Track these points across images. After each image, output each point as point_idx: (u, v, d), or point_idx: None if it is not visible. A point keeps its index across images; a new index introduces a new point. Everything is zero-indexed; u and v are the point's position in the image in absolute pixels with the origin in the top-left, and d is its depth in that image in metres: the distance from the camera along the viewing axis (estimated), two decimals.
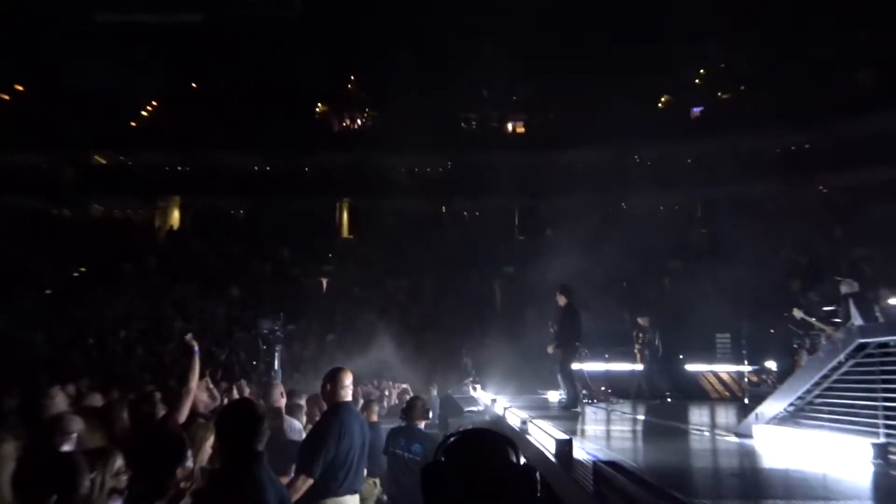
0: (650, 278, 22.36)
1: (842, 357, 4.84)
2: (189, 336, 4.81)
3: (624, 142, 26.82)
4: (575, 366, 9.51)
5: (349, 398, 5.02)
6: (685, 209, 29.20)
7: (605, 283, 19.18)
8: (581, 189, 26.84)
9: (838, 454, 4.35)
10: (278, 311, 11.37)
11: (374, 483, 7.07)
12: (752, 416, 5.83)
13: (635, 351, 12.60)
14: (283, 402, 6.19)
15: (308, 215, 30.42)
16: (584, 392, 10.47)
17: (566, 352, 9.16)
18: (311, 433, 5.02)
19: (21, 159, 29.47)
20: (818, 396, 5.08)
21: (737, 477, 4.53)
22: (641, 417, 9.15)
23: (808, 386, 5.17)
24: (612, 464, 3.41)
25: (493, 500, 1.75)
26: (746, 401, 10.30)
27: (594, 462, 3.46)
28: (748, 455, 5.36)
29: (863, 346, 4.68)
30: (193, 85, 31.69)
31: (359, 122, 32.60)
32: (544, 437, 5.02)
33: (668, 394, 11.80)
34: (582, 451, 4.11)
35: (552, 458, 4.21)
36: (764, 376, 12.10)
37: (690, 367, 15.09)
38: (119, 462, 3.47)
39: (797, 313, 10.31)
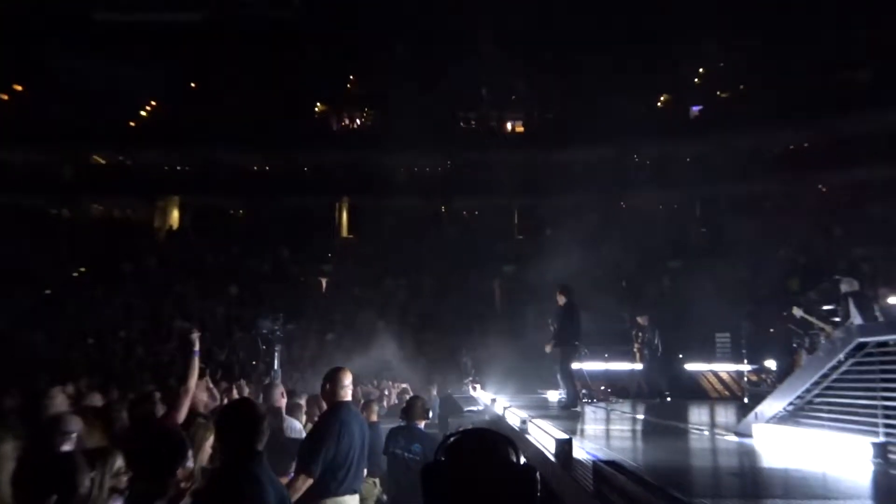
0: (649, 277, 22.37)
1: (841, 356, 4.84)
2: (193, 331, 4.77)
3: (623, 141, 26.85)
4: (574, 365, 9.50)
5: (349, 398, 5.02)
6: (684, 208, 29.20)
7: (605, 282, 19.20)
8: (580, 188, 26.85)
9: (838, 453, 4.35)
10: (278, 310, 11.37)
11: (374, 483, 7.06)
12: (751, 416, 5.83)
13: (634, 350, 12.60)
14: (283, 402, 6.19)
15: (307, 215, 30.43)
16: (583, 391, 10.47)
17: (566, 351, 9.16)
18: (311, 433, 5.01)
19: (20, 158, 29.46)
20: (818, 396, 5.08)
21: (736, 476, 4.53)
22: (641, 417, 9.15)
23: (807, 385, 5.17)
24: (611, 463, 3.41)
25: (493, 500, 1.74)
26: (746, 400, 10.31)
27: (594, 461, 3.46)
28: (748, 454, 5.36)
29: (862, 346, 4.69)
30: (192, 84, 31.67)
31: (358, 121, 32.59)
32: (544, 436, 5.02)
33: (667, 393, 11.80)
34: (582, 451, 4.11)
35: (552, 458, 4.21)
36: (763, 375, 12.10)
37: (690, 367, 15.12)
38: (119, 462, 3.46)
39: (797, 312, 10.32)
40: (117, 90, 28.43)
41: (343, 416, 4.86)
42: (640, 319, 12.56)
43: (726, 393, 14.50)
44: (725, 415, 9.31)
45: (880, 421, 4.27)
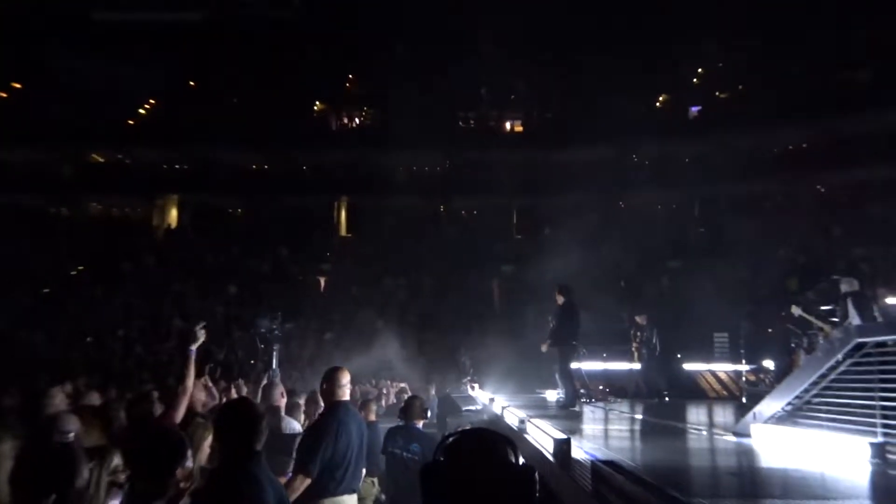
0: (649, 277, 22.39)
1: (839, 356, 4.85)
2: (198, 327, 4.72)
3: (622, 141, 26.87)
4: (573, 365, 9.50)
5: (346, 397, 5.02)
6: (684, 208, 29.22)
7: (604, 281, 19.20)
8: (579, 188, 26.85)
9: (836, 453, 4.35)
10: (276, 309, 11.35)
11: (373, 482, 7.06)
12: (749, 416, 5.83)
13: (633, 349, 12.59)
14: (283, 401, 6.19)
15: (306, 214, 30.44)
16: (581, 391, 10.47)
17: (564, 351, 9.16)
18: (309, 432, 5.02)
19: (19, 157, 29.45)
20: (816, 396, 5.08)
21: (735, 476, 4.53)
22: (639, 416, 9.15)
23: (805, 385, 5.17)
24: (610, 463, 3.41)
25: (493, 500, 1.75)
26: (744, 400, 10.31)
27: (592, 461, 3.46)
28: (746, 454, 5.36)
29: (860, 346, 4.69)
30: (192, 83, 31.66)
31: (357, 120, 32.60)
32: (542, 436, 5.02)
33: (665, 393, 11.80)
34: (580, 451, 4.11)
35: (550, 458, 4.21)
36: (762, 375, 12.12)
37: (688, 366, 15.12)
38: (116, 460, 3.46)
39: (795, 310, 10.32)
40: (117, 89, 28.41)
41: (341, 415, 4.86)
42: (638, 319, 12.55)
43: (724, 393, 14.52)
44: (724, 415, 9.30)
45: (878, 421, 4.27)
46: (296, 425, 6.05)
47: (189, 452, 3.21)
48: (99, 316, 21.69)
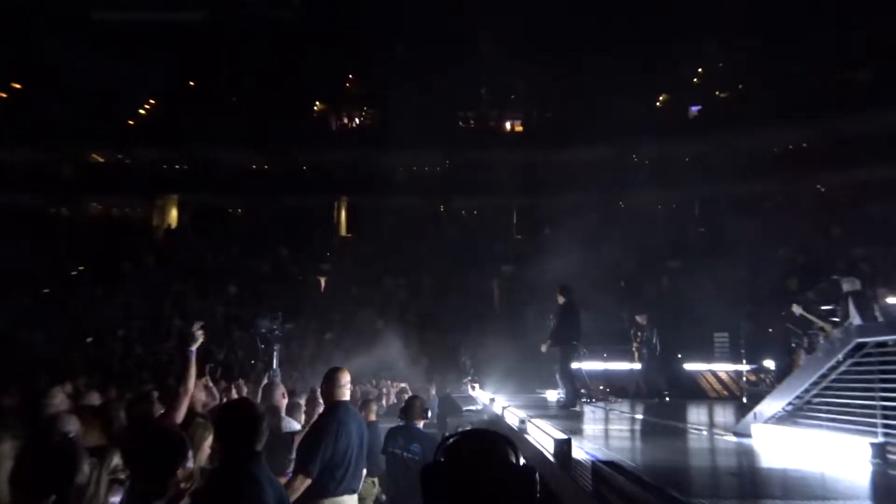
0: (648, 277, 22.39)
1: (840, 356, 4.84)
2: (195, 326, 4.73)
3: (622, 141, 26.87)
4: (574, 365, 9.50)
5: (346, 397, 5.02)
6: (684, 208, 29.23)
7: (604, 281, 19.20)
8: (579, 188, 26.85)
9: (837, 453, 4.35)
10: (277, 309, 11.35)
11: (373, 483, 7.06)
12: (750, 416, 5.83)
13: (633, 349, 12.59)
14: (284, 402, 6.19)
15: (306, 214, 30.45)
16: (582, 391, 10.47)
17: (565, 351, 9.15)
18: (309, 433, 5.02)
19: (19, 157, 29.44)
20: (816, 396, 5.08)
21: (735, 476, 4.53)
22: (640, 416, 9.15)
23: (806, 385, 5.17)
24: (610, 463, 3.41)
25: (493, 501, 1.75)
26: (745, 400, 10.31)
27: (593, 462, 3.46)
28: (746, 454, 5.36)
29: (861, 346, 4.69)
30: (191, 83, 31.66)
31: (357, 120, 32.60)
32: (543, 436, 5.02)
33: (665, 393, 11.80)
34: (581, 451, 4.11)
35: (551, 458, 4.21)
36: (762, 375, 12.10)
37: (689, 366, 15.12)
38: (116, 460, 3.46)
39: (796, 309, 10.32)
40: (117, 89, 28.41)
41: (341, 415, 4.86)
42: (639, 319, 12.55)
43: (725, 393, 14.51)
44: (724, 415, 9.30)
45: (879, 421, 4.27)
46: (295, 424, 6.05)
47: (190, 453, 3.21)
48: (99, 316, 21.68)
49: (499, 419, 7.84)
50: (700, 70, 30.51)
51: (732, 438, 6.02)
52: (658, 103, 30.65)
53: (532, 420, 5.96)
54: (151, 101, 31.94)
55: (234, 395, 7.37)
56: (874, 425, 4.30)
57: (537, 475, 1.81)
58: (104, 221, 31.36)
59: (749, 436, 5.66)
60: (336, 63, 30.07)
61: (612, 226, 25.23)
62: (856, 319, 8.49)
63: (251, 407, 3.57)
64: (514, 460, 1.80)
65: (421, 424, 6.81)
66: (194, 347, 4.57)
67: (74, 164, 30.38)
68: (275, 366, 9.16)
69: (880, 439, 4.15)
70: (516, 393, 11.97)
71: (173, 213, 31.40)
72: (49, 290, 24.04)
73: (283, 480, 4.21)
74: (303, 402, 6.83)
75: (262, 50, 28.76)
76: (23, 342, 19.26)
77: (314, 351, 19.25)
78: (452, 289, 23.87)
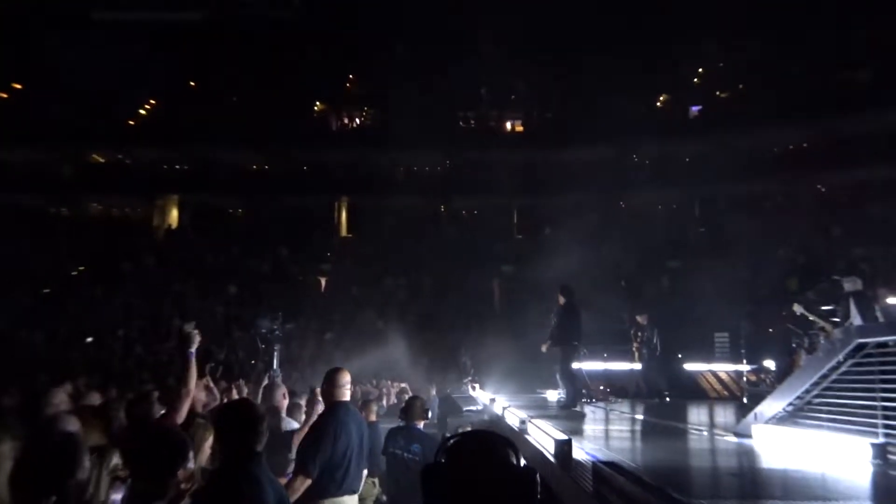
0: (649, 277, 22.38)
1: (840, 357, 4.84)
2: (189, 327, 4.74)
3: (623, 140, 26.87)
4: (574, 365, 9.49)
5: (346, 398, 5.02)
6: (684, 208, 29.23)
7: (604, 281, 19.19)
8: (579, 188, 26.86)
9: (837, 454, 4.35)
10: (277, 309, 11.34)
11: (373, 483, 7.06)
12: (750, 416, 5.83)
13: (633, 349, 12.59)
14: (285, 403, 6.18)
15: (306, 214, 30.45)
16: (582, 391, 10.46)
17: (566, 351, 9.15)
18: (308, 433, 5.01)
19: (19, 157, 29.44)
20: (817, 396, 5.08)
21: (736, 477, 4.53)
22: (640, 417, 9.15)
23: (806, 386, 5.17)
24: (611, 464, 3.41)
25: (494, 502, 1.74)
26: (745, 400, 10.32)
27: (593, 462, 3.46)
28: (747, 455, 5.36)
29: (861, 346, 4.68)
30: (192, 83, 31.66)
31: (357, 120, 32.59)
32: (543, 437, 5.02)
33: (666, 393, 11.79)
34: (581, 451, 4.11)
35: (551, 459, 4.21)
36: (762, 376, 12.10)
37: (689, 367, 15.11)
38: (115, 459, 3.46)
39: (797, 308, 10.31)
40: (117, 89, 28.41)
41: (341, 415, 4.86)
42: (639, 319, 12.55)
43: (725, 393, 14.50)
44: (724, 415, 9.30)
45: (880, 422, 4.27)
46: (294, 423, 6.05)
47: (191, 453, 3.21)
48: (99, 316, 21.68)
49: (499, 419, 7.84)
50: (700, 70, 30.51)
51: (733, 439, 6.02)
52: (658, 103, 30.65)
53: (532, 420, 5.96)
54: (151, 101, 31.94)
55: (235, 395, 7.38)
56: (875, 426, 4.30)
57: (538, 476, 1.81)
58: (104, 221, 31.36)
59: (749, 436, 5.65)
60: (336, 63, 30.07)
61: (612, 226, 25.25)
62: (856, 320, 8.48)
63: (251, 407, 3.57)
64: (514, 461, 1.80)
65: (421, 425, 6.80)
66: (193, 349, 4.57)
67: (74, 164, 30.38)
68: (275, 366, 9.15)
69: (881, 440, 4.15)
70: (517, 393, 11.96)
71: (173, 213, 31.40)
72: (49, 290, 24.04)
73: (283, 481, 4.20)
74: (303, 402, 6.83)
75: (262, 50, 28.75)
76: (23, 342, 19.28)
77: (314, 351, 19.25)
78: (452, 289, 23.87)
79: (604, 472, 3.27)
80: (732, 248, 20.19)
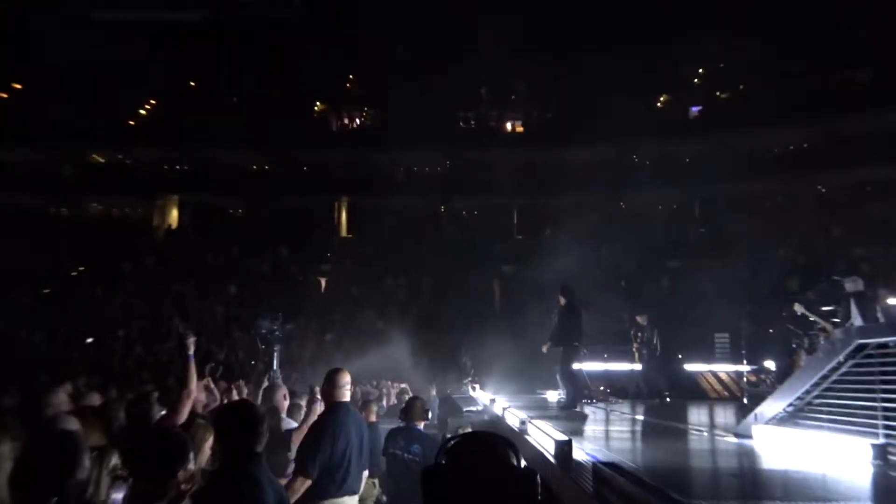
0: (649, 277, 22.38)
1: (841, 357, 4.84)
2: (189, 335, 4.77)
3: (623, 141, 26.88)
4: (574, 366, 9.49)
5: (346, 398, 5.02)
6: (684, 208, 29.23)
7: (604, 281, 19.18)
8: (579, 188, 26.83)
9: (838, 455, 4.35)
10: (277, 310, 11.34)
11: (374, 483, 7.06)
12: (751, 417, 5.83)
13: (633, 350, 12.59)
14: (285, 403, 6.18)
15: (306, 214, 30.45)
16: (584, 392, 10.46)
17: (567, 352, 9.15)
18: (308, 434, 5.02)
19: (19, 157, 29.44)
20: (817, 397, 5.07)
21: (736, 477, 4.52)
22: (640, 417, 9.15)
23: (807, 386, 5.17)
24: (611, 465, 3.40)
25: (494, 503, 1.74)
26: (745, 401, 10.30)
27: (594, 463, 3.46)
28: (747, 455, 5.35)
29: (862, 347, 4.68)
30: (192, 83, 31.66)
31: (357, 120, 32.59)
32: (543, 437, 5.01)
33: (666, 393, 11.79)
34: (581, 452, 4.10)
35: (552, 459, 4.21)
36: (763, 376, 12.10)
37: (689, 367, 15.09)
38: (115, 459, 3.46)
39: (798, 308, 10.30)
40: (117, 89, 28.41)
41: (340, 416, 4.86)
42: (639, 319, 12.54)
43: (725, 393, 14.49)
44: (725, 415, 9.30)
45: (880, 422, 4.27)
46: (292, 423, 6.04)
47: (191, 454, 3.21)
48: (99, 316, 21.68)
49: (499, 420, 7.84)
50: (700, 70, 30.51)
51: (733, 439, 6.02)
52: (658, 103, 30.65)
53: (533, 421, 5.96)
54: (151, 101, 31.94)
55: (235, 395, 7.38)
56: (875, 426, 4.29)
57: (538, 477, 1.81)
58: (104, 221, 31.36)
59: (750, 437, 5.65)
60: (336, 63, 30.07)
61: (612, 226, 25.24)
62: (857, 320, 8.48)
63: (251, 408, 3.57)
64: (514, 462, 1.80)
65: (421, 425, 6.80)
66: (192, 351, 4.58)
67: (74, 164, 30.38)
68: (275, 366, 9.16)
69: (881, 440, 4.15)
70: (517, 393, 11.96)
71: (173, 213, 31.40)
72: (49, 290, 24.04)
73: (283, 481, 4.20)
74: (303, 403, 6.83)
75: (262, 50, 28.75)
76: (23, 342, 19.28)
77: (314, 351, 19.25)
78: (452, 289, 23.86)
79: (604, 472, 3.27)
80: (732, 249, 20.19)
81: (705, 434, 7.14)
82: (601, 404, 10.62)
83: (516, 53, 27.13)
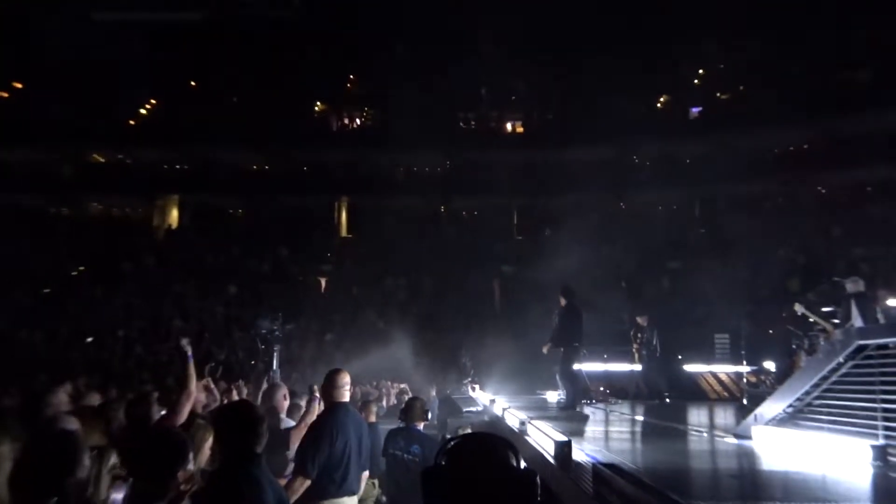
0: (649, 277, 22.37)
1: (841, 358, 4.84)
2: (185, 341, 4.78)
3: (623, 141, 26.88)
4: (574, 366, 9.49)
5: (346, 399, 5.01)
6: (684, 208, 29.25)
7: (604, 282, 19.18)
8: (579, 188, 26.85)
9: (837, 456, 4.35)
10: (277, 310, 11.33)
11: (373, 484, 7.06)
12: (751, 418, 5.83)
13: (633, 350, 12.59)
14: (285, 404, 6.17)
15: (307, 214, 30.45)
16: (585, 392, 10.46)
17: (567, 352, 9.14)
18: (307, 434, 5.01)
19: (19, 157, 29.43)
20: (817, 398, 5.07)
21: (736, 478, 4.53)
22: (640, 418, 9.15)
23: (807, 387, 5.17)
24: (611, 465, 3.41)
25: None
26: (745, 401, 10.27)
27: (593, 464, 3.46)
28: (747, 456, 5.35)
29: (862, 348, 4.68)
30: (192, 83, 31.66)
31: (357, 120, 32.58)
32: (543, 438, 5.01)
33: (666, 394, 11.79)
34: (581, 453, 4.11)
35: (551, 460, 4.21)
36: (762, 377, 12.08)
37: (689, 368, 15.10)
38: (114, 459, 3.46)
39: (798, 308, 10.29)
40: (117, 89, 28.41)
41: (339, 416, 4.86)
42: (639, 319, 12.55)
43: (725, 394, 14.49)
44: (724, 416, 9.31)
45: (880, 423, 4.27)
46: (291, 422, 6.04)
47: (191, 454, 3.21)
48: (99, 316, 21.68)
49: (499, 420, 7.84)
50: (700, 71, 30.51)
51: (733, 440, 6.02)
52: (658, 104, 30.65)
53: (532, 422, 5.96)
54: (151, 101, 31.94)
55: (235, 396, 7.37)
56: (875, 427, 4.30)
57: (538, 478, 1.81)
58: (104, 221, 31.36)
59: (750, 438, 5.65)
60: (336, 63, 30.06)
61: (612, 226, 25.24)
62: (857, 321, 8.48)
63: (251, 409, 3.57)
64: (514, 463, 1.80)
65: (421, 426, 6.79)
66: (190, 353, 4.59)
67: (74, 164, 30.38)
68: (275, 367, 9.14)
69: (881, 441, 4.15)
70: (517, 394, 11.96)
71: (173, 213, 31.40)
72: (49, 290, 24.04)
73: (282, 482, 4.20)
74: (303, 403, 6.83)
75: (262, 50, 28.75)
76: (23, 342, 19.28)
77: (315, 352, 19.24)
78: (452, 289, 23.86)
79: (604, 473, 3.27)
80: (732, 249, 20.19)
81: (705, 435, 7.15)
82: (601, 405, 10.62)
83: (516, 53, 27.13)
